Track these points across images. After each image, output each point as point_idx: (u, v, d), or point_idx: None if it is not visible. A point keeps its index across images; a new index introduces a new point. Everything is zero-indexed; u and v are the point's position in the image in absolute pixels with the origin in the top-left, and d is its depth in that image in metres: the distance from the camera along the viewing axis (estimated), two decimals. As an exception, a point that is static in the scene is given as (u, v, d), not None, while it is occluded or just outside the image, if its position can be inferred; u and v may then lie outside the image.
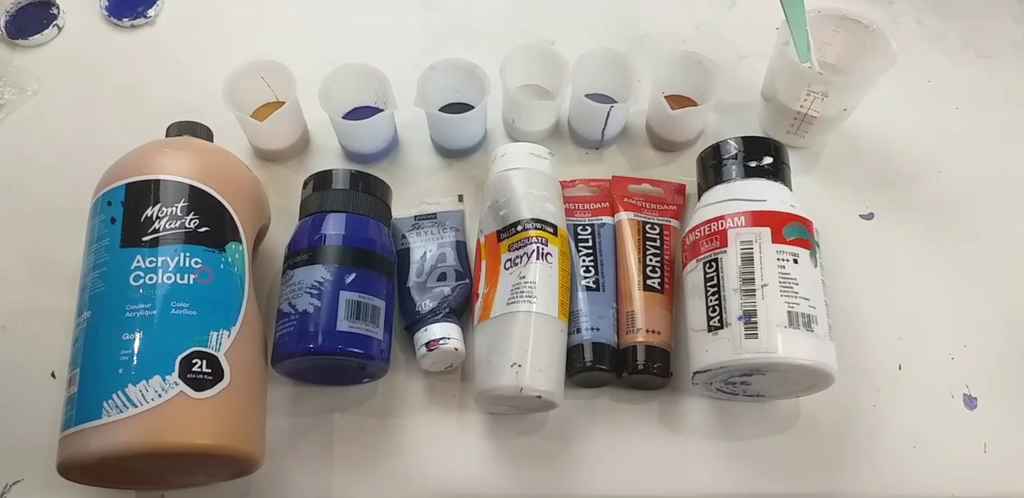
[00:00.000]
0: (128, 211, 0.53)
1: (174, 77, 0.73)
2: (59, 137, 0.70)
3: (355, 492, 0.56)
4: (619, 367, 0.58)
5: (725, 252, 0.54)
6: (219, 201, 0.55)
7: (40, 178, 0.68)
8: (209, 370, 0.49)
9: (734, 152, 0.59)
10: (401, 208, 0.65)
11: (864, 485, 0.56)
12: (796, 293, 0.52)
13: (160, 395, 0.48)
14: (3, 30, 0.74)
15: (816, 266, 0.54)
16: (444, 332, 0.58)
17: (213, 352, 0.50)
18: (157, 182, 0.54)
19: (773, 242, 0.54)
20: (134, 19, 0.75)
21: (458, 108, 0.67)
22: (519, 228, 0.58)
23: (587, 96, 0.63)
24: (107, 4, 0.76)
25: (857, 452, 0.57)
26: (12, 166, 0.69)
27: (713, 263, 0.55)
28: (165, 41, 0.75)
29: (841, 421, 0.58)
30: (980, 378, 0.59)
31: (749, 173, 0.58)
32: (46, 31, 0.74)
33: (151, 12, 0.75)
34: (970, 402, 0.59)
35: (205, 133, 0.61)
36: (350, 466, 0.57)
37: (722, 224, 0.55)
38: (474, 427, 0.58)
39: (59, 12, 0.75)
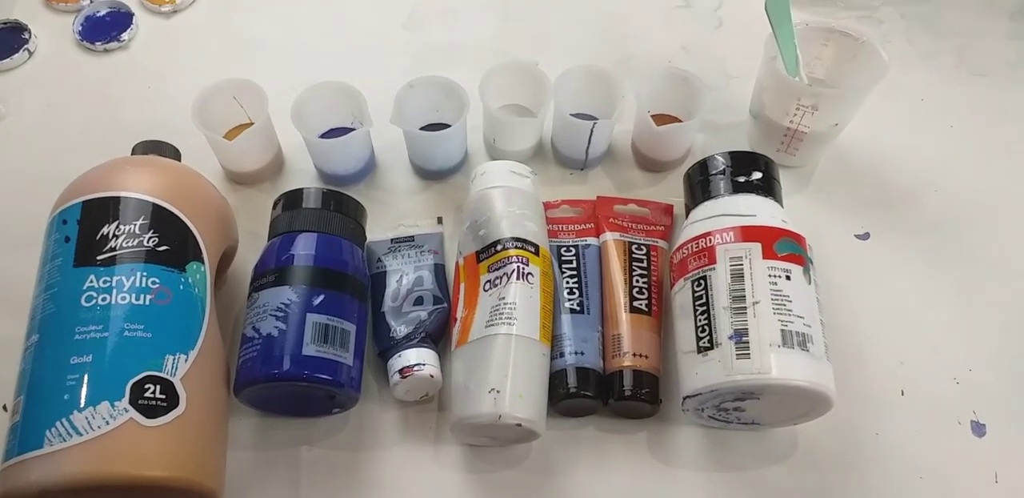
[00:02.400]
0: (83, 229, 0.50)
1: (146, 101, 0.71)
2: (24, 162, 0.68)
3: (323, 531, 0.52)
4: (605, 394, 0.55)
5: (714, 269, 0.51)
6: (180, 219, 0.52)
7: (3, 204, 0.65)
8: (163, 396, 0.46)
9: (722, 167, 0.57)
10: (378, 231, 0.62)
11: (870, 519, 0.53)
12: (790, 311, 0.49)
13: (107, 422, 0.44)
14: (-27, 55, 0.73)
15: (810, 283, 0.51)
16: (419, 358, 0.54)
17: (168, 377, 0.47)
18: (116, 199, 0.51)
19: (764, 258, 0.51)
20: (107, 43, 0.73)
21: (438, 128, 0.65)
22: (499, 248, 0.56)
23: (571, 115, 0.61)
24: (80, 29, 0.74)
25: (860, 483, 0.54)
26: (-25, 191, 0.66)
27: (702, 281, 0.52)
28: (138, 65, 0.73)
29: (842, 450, 0.55)
30: (988, 403, 0.56)
31: (738, 188, 0.56)
32: (16, 55, 0.72)
33: (125, 36, 0.74)
34: (978, 429, 0.55)
35: (172, 152, 0.58)
36: (318, 503, 0.53)
37: (710, 240, 0.52)
38: (452, 460, 0.54)
39: (31, 37, 0.74)
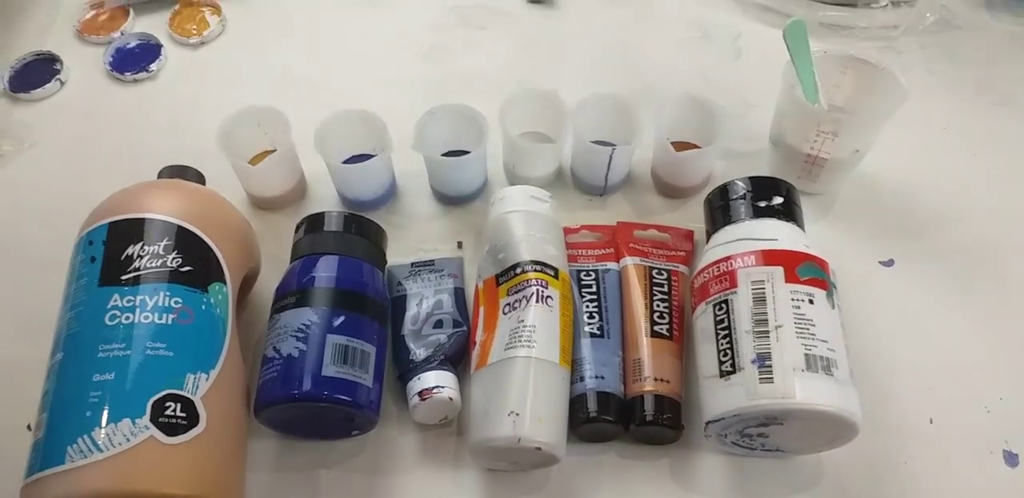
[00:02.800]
0: (109, 250, 0.51)
1: (172, 129, 0.72)
2: (53, 188, 0.69)
3: (340, 556, 0.52)
4: (626, 419, 0.54)
5: (735, 293, 0.51)
6: (203, 241, 0.52)
7: (30, 229, 0.66)
8: (184, 414, 0.46)
9: (742, 192, 0.57)
10: (398, 255, 0.62)
11: (899, 551, 0.51)
12: (813, 335, 0.49)
13: (128, 439, 0.44)
14: (7, 84, 0.74)
15: (834, 308, 0.51)
16: (438, 380, 0.54)
17: (189, 395, 0.47)
18: (141, 220, 0.52)
19: (786, 282, 0.50)
20: (136, 73, 0.75)
21: (458, 155, 0.65)
22: (518, 271, 0.56)
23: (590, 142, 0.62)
24: (111, 60, 0.76)
25: (889, 514, 0.52)
26: (5, 217, 0.67)
27: (723, 305, 0.51)
28: (165, 94, 0.75)
29: (869, 479, 0.53)
30: (1020, 432, 0.55)
31: (759, 213, 0.56)
32: (48, 85, 0.74)
33: (153, 67, 0.75)
34: (1011, 459, 0.54)
35: (196, 177, 0.59)
36: (336, 528, 0.53)
37: (731, 264, 0.52)
38: (471, 485, 0.54)
39: (62, 67, 0.76)
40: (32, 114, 0.74)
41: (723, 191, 0.58)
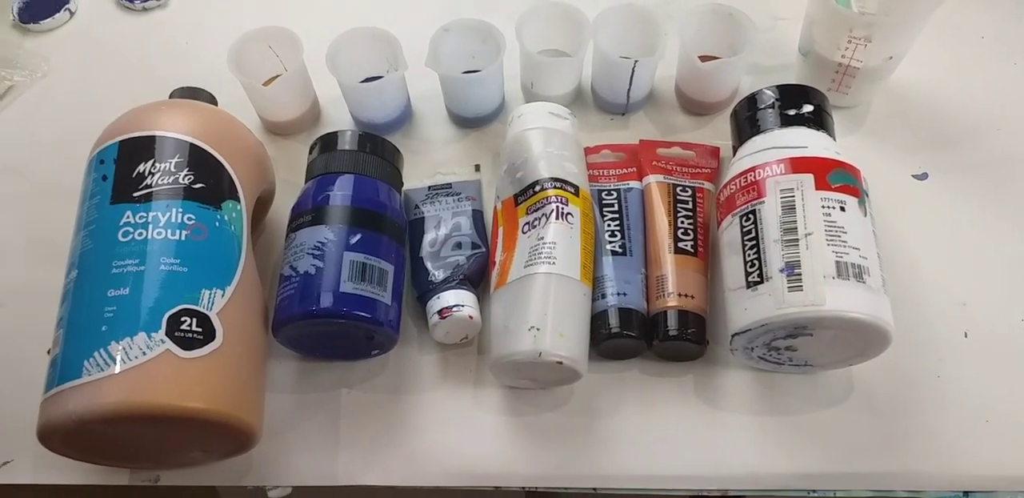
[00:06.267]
0: (120, 168, 0.50)
1: (184, 56, 0.71)
2: (66, 118, 0.68)
3: (363, 473, 0.52)
4: (649, 335, 0.53)
5: (763, 203, 0.49)
6: (216, 158, 0.51)
7: (45, 158, 0.66)
8: (199, 329, 0.46)
9: (771, 101, 0.54)
10: (415, 179, 0.61)
11: (931, 464, 0.50)
12: (844, 242, 0.47)
13: (144, 353, 0.44)
14: (16, 16, 0.73)
15: (866, 215, 0.49)
16: (458, 299, 0.53)
17: (204, 311, 0.46)
18: (151, 138, 0.51)
19: (817, 189, 0.48)
20: (146, 1, 0.73)
21: (474, 74, 0.63)
22: (537, 188, 0.54)
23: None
24: (121, -12, 0.74)
25: (921, 428, 0.51)
26: (18, 147, 0.67)
27: (751, 215, 0.50)
28: (176, 22, 0.73)
29: (901, 394, 0.52)
30: (1057, 345, 0.53)
31: (788, 122, 0.53)
32: (57, 15, 0.73)
33: (164, -7, 0.74)
34: (1048, 372, 0.52)
35: (208, 98, 0.58)
36: (358, 446, 0.52)
37: (759, 173, 0.50)
38: (492, 403, 0.53)
39: (72, -3, 0.74)
40: (43, 44, 0.72)
41: (751, 101, 0.55)
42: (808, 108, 0.54)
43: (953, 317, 0.54)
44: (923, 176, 0.60)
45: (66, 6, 0.73)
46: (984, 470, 0.50)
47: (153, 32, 0.73)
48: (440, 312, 0.53)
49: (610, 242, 0.56)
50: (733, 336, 0.49)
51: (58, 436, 0.45)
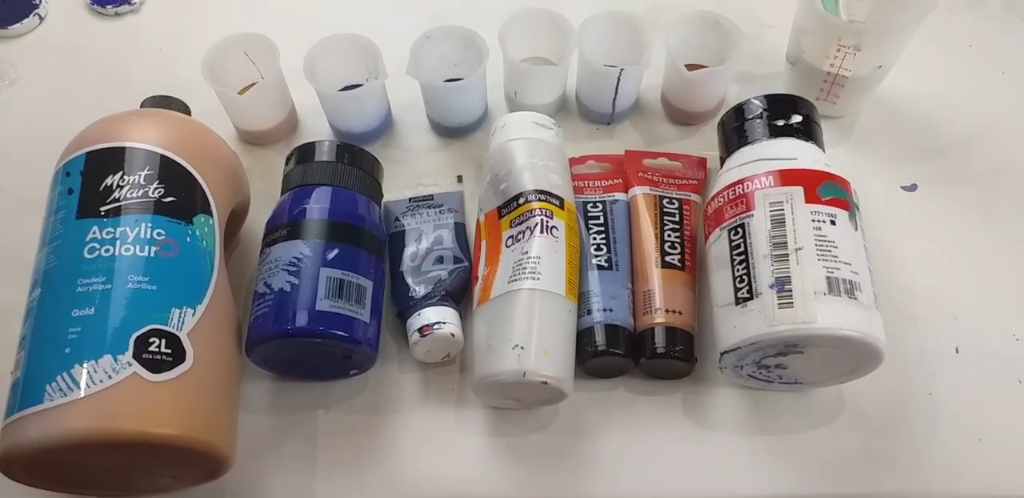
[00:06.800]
0: (87, 181, 0.48)
1: (157, 64, 0.69)
2: (35, 126, 0.66)
3: (342, 497, 0.50)
4: (636, 352, 0.51)
5: (752, 216, 0.48)
6: (188, 170, 0.50)
7: (12, 169, 0.64)
8: (168, 350, 0.44)
9: (759, 111, 0.53)
10: (395, 190, 0.59)
11: (924, 484, 0.49)
12: (836, 257, 0.46)
13: (110, 376, 0.42)
14: (-17, 21, 0.71)
15: (857, 229, 0.48)
16: (439, 316, 0.52)
17: (174, 331, 0.44)
18: (120, 149, 0.49)
19: (807, 202, 0.47)
20: (118, 6, 0.71)
21: (456, 83, 0.62)
22: (521, 201, 0.53)
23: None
24: (92, -7, 0.72)
25: (913, 446, 0.50)
26: (-15, 156, 0.65)
27: (739, 229, 0.48)
28: (149, 27, 0.71)
29: (892, 411, 0.51)
30: (1051, 361, 0.52)
31: (776, 132, 0.52)
32: (26, 20, 0.71)
33: (136, -1, 0.72)
34: (1041, 389, 0.51)
35: (181, 107, 0.56)
36: (336, 469, 0.51)
37: (747, 186, 0.49)
38: (475, 423, 0.52)
39: (41, 2, 0.72)
40: (11, 51, 0.70)
41: (738, 111, 0.54)
42: (797, 118, 0.52)
43: (944, 332, 0.53)
44: (912, 187, 0.59)
45: (36, 11, 0.71)
46: (978, 490, 0.49)
47: (125, 38, 0.70)
48: (421, 330, 0.51)
49: (596, 256, 0.54)
50: (722, 354, 0.48)
51: (19, 464, 0.43)
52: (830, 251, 0.46)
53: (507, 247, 0.52)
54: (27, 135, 0.65)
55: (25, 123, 0.66)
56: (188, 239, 0.48)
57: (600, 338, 0.51)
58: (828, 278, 0.45)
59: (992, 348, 0.53)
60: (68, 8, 0.72)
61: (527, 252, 0.51)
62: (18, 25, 0.70)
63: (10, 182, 0.63)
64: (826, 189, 0.48)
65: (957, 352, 0.53)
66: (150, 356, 0.43)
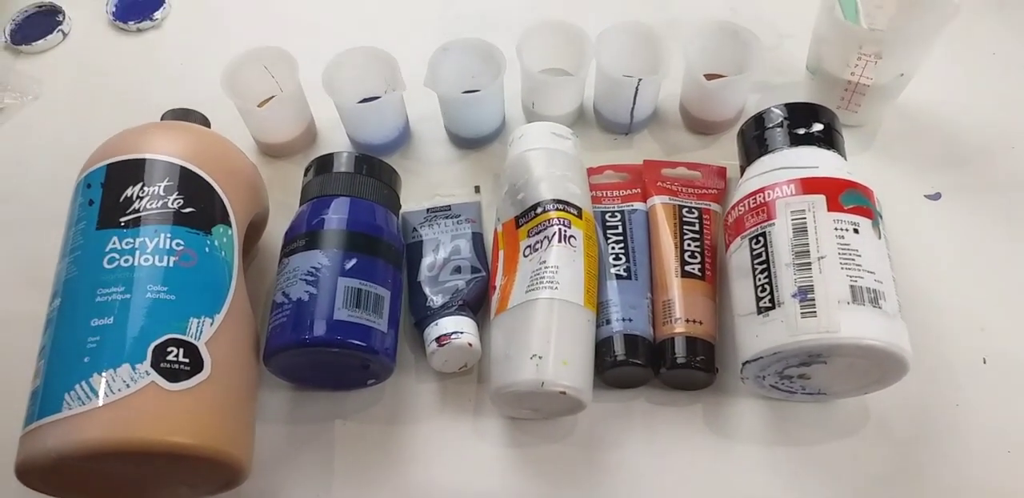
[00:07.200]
0: (107, 192, 0.48)
1: (178, 78, 0.69)
2: (58, 141, 0.67)
3: (358, 508, 0.49)
4: (656, 363, 0.51)
5: (773, 225, 0.48)
6: (207, 182, 0.50)
7: (36, 183, 0.64)
8: (186, 360, 0.44)
9: (779, 120, 0.53)
10: (413, 201, 0.59)
11: (951, 496, 0.48)
12: (859, 266, 0.45)
13: (128, 385, 0.42)
14: (8, 38, 0.72)
15: (880, 238, 0.47)
16: (457, 326, 0.51)
17: (192, 340, 0.44)
18: (141, 161, 0.49)
19: (829, 210, 0.47)
20: (140, 22, 0.72)
21: (474, 94, 0.62)
22: (539, 210, 0.53)
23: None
24: (114, 10, 0.73)
25: (939, 458, 0.49)
26: (9, 171, 0.65)
27: (760, 238, 0.48)
28: (171, 43, 0.72)
29: (918, 423, 0.50)
30: (1081, 372, 0.51)
31: (797, 141, 0.52)
32: (50, 37, 0.72)
33: (158, 15, 0.73)
34: (1071, 400, 0.50)
35: (200, 120, 0.57)
36: (353, 478, 0.50)
37: (769, 194, 0.49)
38: (492, 434, 0.51)
39: (64, 18, 0.73)
40: (35, 66, 0.71)
41: (758, 120, 0.54)
42: (818, 127, 0.52)
43: (971, 342, 0.52)
44: (936, 196, 0.58)
45: (59, 27, 0.72)
46: (1009, 504, 0.48)
47: (147, 53, 0.71)
48: (438, 339, 0.51)
49: (614, 266, 0.54)
50: (744, 364, 0.47)
51: (37, 473, 0.43)
52: (853, 259, 0.45)
53: (525, 257, 0.52)
54: (50, 149, 0.66)
55: (48, 137, 0.67)
56: (207, 249, 0.48)
57: (619, 348, 0.50)
58: (852, 287, 0.44)
59: (1020, 359, 0.52)
60: (91, 24, 0.73)
61: (545, 261, 0.50)
62: (42, 41, 0.72)
63: (33, 194, 0.64)
64: (848, 197, 0.47)
65: (984, 362, 0.52)
66: (168, 365, 0.43)
